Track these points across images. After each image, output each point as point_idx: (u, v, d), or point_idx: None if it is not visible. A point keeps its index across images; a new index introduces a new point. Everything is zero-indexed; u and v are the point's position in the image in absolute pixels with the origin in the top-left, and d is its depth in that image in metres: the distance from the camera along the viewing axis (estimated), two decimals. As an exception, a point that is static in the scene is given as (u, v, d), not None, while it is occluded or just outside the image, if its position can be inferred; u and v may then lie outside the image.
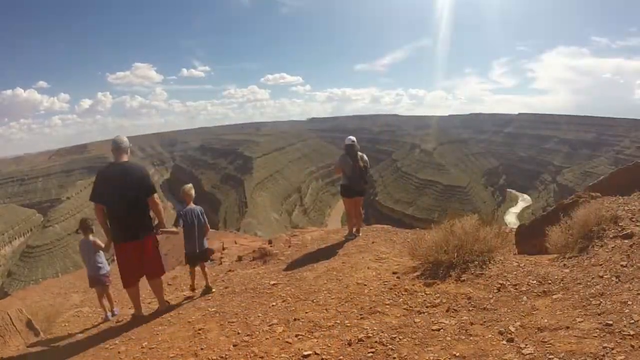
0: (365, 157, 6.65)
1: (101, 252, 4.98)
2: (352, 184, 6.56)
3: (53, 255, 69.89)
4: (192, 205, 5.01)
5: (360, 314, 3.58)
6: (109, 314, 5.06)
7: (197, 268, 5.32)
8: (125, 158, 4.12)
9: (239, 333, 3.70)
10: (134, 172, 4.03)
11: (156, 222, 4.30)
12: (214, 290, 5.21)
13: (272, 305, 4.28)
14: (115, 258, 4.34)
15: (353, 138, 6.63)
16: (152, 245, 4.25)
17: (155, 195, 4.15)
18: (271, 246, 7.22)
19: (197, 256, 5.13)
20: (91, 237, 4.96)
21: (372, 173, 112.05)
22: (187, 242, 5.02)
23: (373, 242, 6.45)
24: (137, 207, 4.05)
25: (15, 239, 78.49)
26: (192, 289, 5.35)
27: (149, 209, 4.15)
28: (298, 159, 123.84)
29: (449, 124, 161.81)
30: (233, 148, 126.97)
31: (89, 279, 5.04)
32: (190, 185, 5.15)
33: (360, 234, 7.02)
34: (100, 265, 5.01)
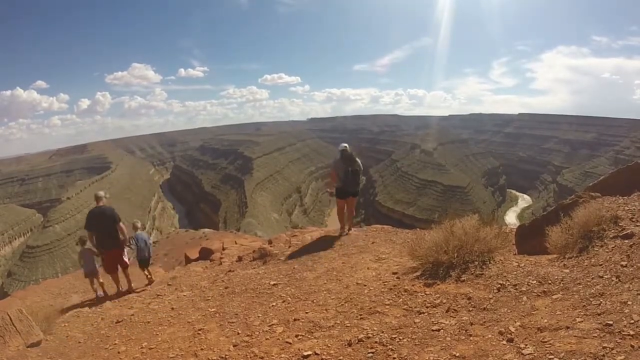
0: (359, 161, 7.18)
1: (94, 256, 7.24)
2: (345, 186, 7.11)
3: (53, 256, 69.90)
4: (139, 232, 7.63)
5: (360, 314, 3.58)
6: (100, 293, 7.26)
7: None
8: (101, 203, 6.68)
9: (239, 333, 3.71)
10: (107, 212, 6.67)
11: (122, 238, 6.89)
12: (153, 280, 7.47)
13: (272, 306, 4.28)
14: (101, 259, 7.14)
15: (346, 144, 7.37)
16: (119, 252, 6.92)
17: (121, 222, 6.74)
18: (271, 246, 7.21)
19: (145, 261, 7.54)
20: (87, 246, 7.19)
21: (372, 173, 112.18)
22: (139, 252, 7.48)
23: (373, 242, 6.45)
24: (110, 231, 6.70)
25: (15, 239, 78.53)
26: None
27: (117, 232, 6.74)
28: (298, 159, 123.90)
29: (449, 124, 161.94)
30: (233, 148, 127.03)
31: (85, 273, 7.31)
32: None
33: (350, 232, 7.30)
34: (93, 264, 7.27)
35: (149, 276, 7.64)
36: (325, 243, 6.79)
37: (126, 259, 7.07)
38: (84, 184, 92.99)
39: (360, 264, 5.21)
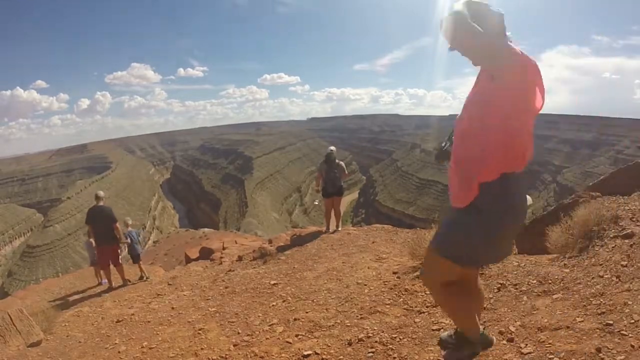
0: (342, 164, 7.84)
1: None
2: (328, 186, 7.78)
3: (53, 255, 69.89)
4: (130, 229, 8.21)
5: (360, 314, 3.58)
6: (104, 280, 7.71)
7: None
8: (101, 203, 7.29)
9: (239, 333, 3.71)
10: (105, 211, 7.27)
11: (118, 237, 7.39)
12: (147, 278, 7.81)
13: (272, 305, 4.28)
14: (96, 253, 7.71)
15: (333, 148, 8.03)
16: (115, 248, 7.41)
17: (116, 223, 7.25)
18: (271, 246, 7.21)
19: (137, 256, 8.06)
20: (90, 239, 7.94)
21: (372, 173, 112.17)
22: (131, 249, 8.10)
23: (373, 242, 6.46)
24: (107, 229, 7.21)
25: (16, 238, 78.57)
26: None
27: (113, 230, 7.23)
28: (298, 158, 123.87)
29: (449, 123, 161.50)
30: (233, 148, 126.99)
31: (91, 262, 8.30)
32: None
33: (340, 229, 7.73)
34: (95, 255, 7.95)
35: (142, 271, 8.08)
36: (325, 243, 6.80)
37: (120, 258, 7.62)
38: (84, 184, 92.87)
39: (360, 264, 5.21)
